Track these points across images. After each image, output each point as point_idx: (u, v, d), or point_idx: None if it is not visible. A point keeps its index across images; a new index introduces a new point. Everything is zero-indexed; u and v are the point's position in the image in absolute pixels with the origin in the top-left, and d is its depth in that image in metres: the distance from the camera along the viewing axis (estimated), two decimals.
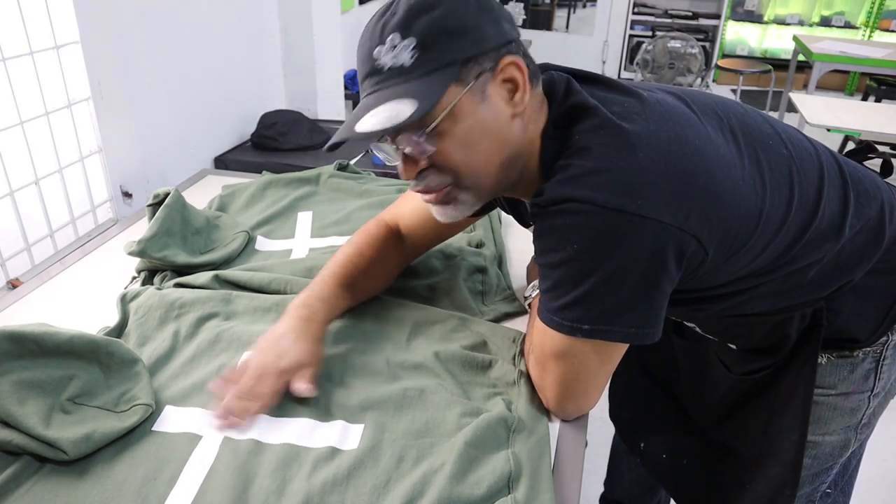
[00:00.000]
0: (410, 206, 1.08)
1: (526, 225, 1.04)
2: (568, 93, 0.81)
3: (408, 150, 0.77)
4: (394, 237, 1.10)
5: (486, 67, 0.75)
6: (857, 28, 5.69)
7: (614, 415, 1.38)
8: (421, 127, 0.74)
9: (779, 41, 5.90)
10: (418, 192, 0.83)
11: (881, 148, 3.81)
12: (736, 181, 0.77)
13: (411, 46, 0.72)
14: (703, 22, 5.60)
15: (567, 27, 5.73)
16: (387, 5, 0.76)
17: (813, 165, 0.87)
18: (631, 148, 0.73)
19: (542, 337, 0.83)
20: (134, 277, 1.22)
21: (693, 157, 0.74)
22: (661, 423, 1.24)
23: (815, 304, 0.90)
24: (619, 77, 0.89)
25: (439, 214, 0.85)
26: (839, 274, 0.89)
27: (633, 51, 5.67)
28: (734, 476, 1.06)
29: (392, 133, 0.76)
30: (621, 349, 0.82)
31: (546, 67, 0.86)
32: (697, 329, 1.04)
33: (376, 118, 0.72)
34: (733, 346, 1.03)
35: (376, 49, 0.74)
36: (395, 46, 0.73)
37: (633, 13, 5.58)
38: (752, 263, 0.84)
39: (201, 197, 1.53)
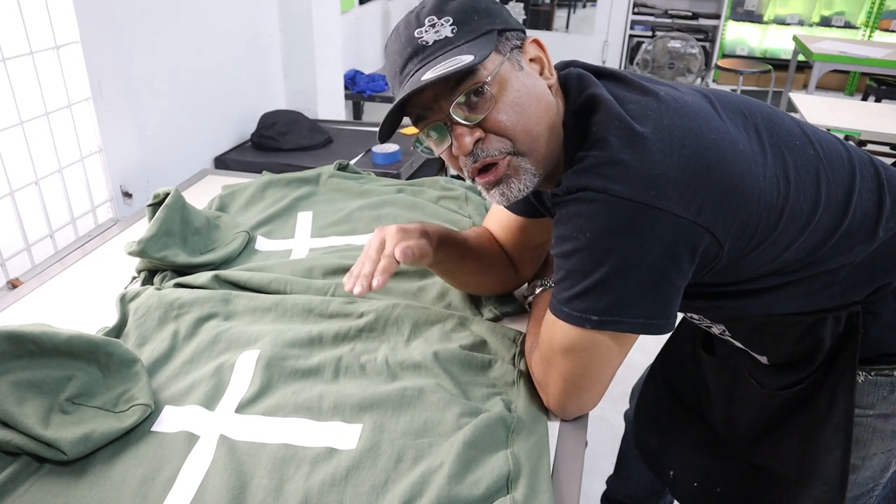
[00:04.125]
0: (492, 219, 1.13)
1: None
2: (582, 84, 0.83)
3: (465, 112, 0.78)
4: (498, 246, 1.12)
5: (515, 44, 0.81)
6: (857, 28, 5.68)
7: (640, 443, 1.34)
8: (478, 81, 0.77)
9: (779, 41, 5.89)
10: (476, 169, 0.81)
11: (881, 148, 3.81)
12: (755, 177, 0.78)
13: (449, 23, 0.78)
14: (703, 22, 5.60)
15: (567, 27, 5.72)
16: (414, 7, 0.82)
17: (843, 167, 0.87)
18: (645, 141, 0.74)
19: (550, 330, 0.84)
20: (134, 277, 1.22)
21: (708, 152, 0.75)
22: (692, 449, 1.20)
23: (850, 308, 0.88)
24: None
25: (501, 194, 0.83)
26: (873, 276, 0.88)
27: (633, 51, 5.66)
28: (774, 500, 1.03)
29: (453, 85, 0.77)
30: (630, 341, 0.82)
31: (569, 64, 0.89)
32: (727, 335, 1.02)
33: (438, 68, 0.75)
34: (764, 360, 1.00)
35: (416, 31, 0.79)
36: (434, 25, 0.78)
37: (633, 13, 5.57)
38: (777, 261, 0.84)
39: (201, 197, 1.53)
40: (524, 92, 0.79)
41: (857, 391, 0.92)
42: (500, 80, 0.78)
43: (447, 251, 1.01)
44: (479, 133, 0.79)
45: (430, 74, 0.75)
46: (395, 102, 0.78)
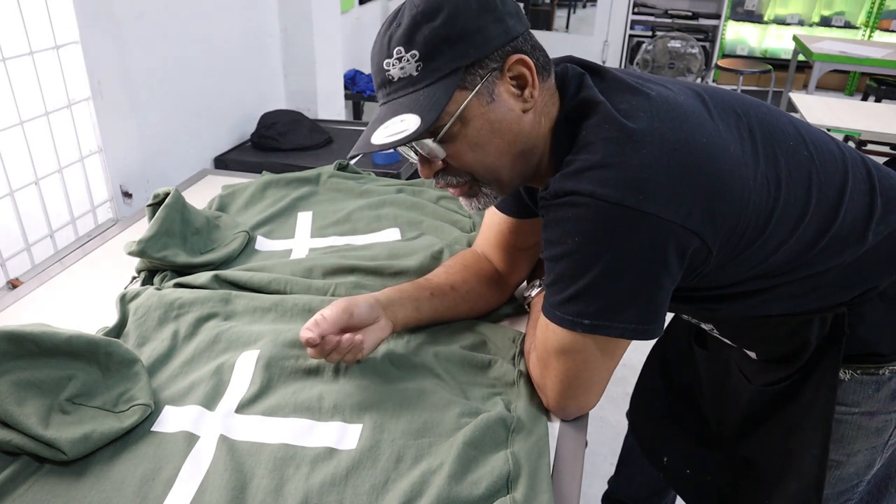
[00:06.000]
0: (484, 229, 1.12)
1: None
2: (580, 87, 0.82)
3: (423, 152, 0.81)
4: (482, 264, 1.10)
5: (492, 68, 0.77)
6: (857, 28, 5.68)
7: (636, 430, 1.36)
8: (432, 134, 0.77)
9: (779, 41, 5.89)
10: (440, 187, 0.86)
11: (881, 148, 3.81)
12: (745, 180, 0.78)
13: (415, 59, 0.75)
14: (703, 22, 5.60)
15: (567, 27, 5.73)
16: (394, 14, 0.78)
17: (836, 169, 0.86)
18: (634, 144, 0.73)
19: (544, 333, 0.84)
20: (134, 277, 1.22)
21: (697, 155, 0.75)
22: (686, 438, 1.22)
23: (836, 310, 0.88)
24: None
25: (468, 206, 0.88)
26: (861, 280, 0.88)
27: (633, 51, 5.66)
28: (754, 492, 1.04)
29: (403, 144, 0.78)
30: (624, 346, 0.82)
31: (565, 60, 0.88)
32: (716, 333, 1.03)
33: (388, 131, 0.76)
34: (753, 355, 1.01)
35: (385, 61, 0.77)
36: (400, 59, 0.76)
37: (633, 13, 5.57)
38: (765, 263, 0.84)
39: (201, 197, 1.53)
40: (487, 129, 0.78)
41: (842, 389, 0.92)
42: (463, 118, 0.77)
43: (405, 314, 0.97)
44: (438, 165, 0.82)
45: (378, 138, 0.76)
46: (360, 150, 0.80)
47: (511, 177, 0.84)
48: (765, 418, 1.01)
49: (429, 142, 0.78)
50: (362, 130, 2.87)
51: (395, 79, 0.77)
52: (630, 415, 1.39)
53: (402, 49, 0.76)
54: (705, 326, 1.04)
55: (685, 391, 1.23)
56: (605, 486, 1.61)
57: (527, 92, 0.79)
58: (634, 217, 0.72)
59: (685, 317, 1.05)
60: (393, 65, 0.77)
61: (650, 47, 5.33)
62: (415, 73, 0.76)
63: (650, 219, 0.72)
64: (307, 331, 0.85)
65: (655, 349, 1.32)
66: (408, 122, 0.74)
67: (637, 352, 1.10)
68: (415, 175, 2.19)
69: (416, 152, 0.82)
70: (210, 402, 0.88)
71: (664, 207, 0.72)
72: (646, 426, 1.34)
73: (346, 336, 0.86)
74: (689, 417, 1.22)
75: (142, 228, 1.25)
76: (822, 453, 0.92)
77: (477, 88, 0.76)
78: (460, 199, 0.88)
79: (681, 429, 1.23)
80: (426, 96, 0.75)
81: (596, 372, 0.84)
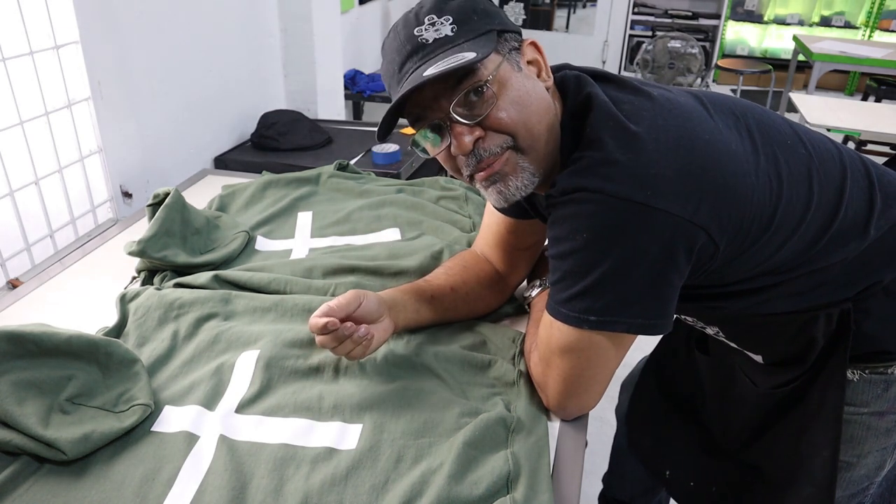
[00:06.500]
0: (483, 230, 1.12)
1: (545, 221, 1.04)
2: (580, 85, 0.83)
3: (466, 110, 0.77)
4: (482, 265, 1.10)
5: (514, 45, 0.81)
6: (857, 28, 5.68)
7: (635, 443, 1.34)
8: (479, 80, 0.76)
9: (779, 41, 5.89)
10: (477, 169, 0.81)
11: (881, 148, 3.81)
12: (748, 177, 0.78)
13: (449, 22, 0.77)
14: (703, 22, 5.59)
15: (567, 27, 5.72)
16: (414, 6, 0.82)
17: (835, 166, 0.87)
18: (640, 141, 0.74)
19: (548, 331, 0.84)
20: (134, 277, 1.22)
21: (702, 151, 0.75)
22: (688, 448, 1.20)
23: (841, 305, 0.88)
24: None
25: (499, 192, 0.82)
26: (864, 274, 0.88)
27: (633, 51, 5.66)
28: (766, 500, 1.03)
29: (454, 84, 0.76)
30: (629, 341, 0.82)
31: (563, 67, 0.89)
32: (721, 335, 1.02)
33: (440, 65, 0.74)
34: (758, 359, 1.00)
35: (416, 29, 0.78)
36: (434, 24, 0.77)
37: (633, 13, 5.57)
38: (770, 261, 0.84)
39: (201, 197, 1.53)
40: (524, 91, 0.79)
41: (851, 389, 0.92)
42: (500, 79, 0.78)
43: (405, 316, 0.98)
44: (479, 132, 0.78)
45: (432, 70, 0.74)
46: (394, 100, 0.78)
47: (545, 153, 0.81)
48: (772, 423, 1.01)
49: (480, 85, 0.76)
50: (362, 130, 2.84)
51: (431, 40, 0.77)
52: (627, 431, 1.37)
53: (434, 16, 0.78)
54: (710, 330, 1.04)
55: (685, 400, 1.22)
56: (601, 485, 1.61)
57: (543, 74, 0.83)
58: (643, 212, 0.72)
59: (690, 320, 1.05)
60: (426, 29, 0.77)
61: (650, 47, 5.33)
62: (451, 34, 0.77)
63: (659, 214, 0.72)
64: (319, 318, 0.84)
65: (651, 360, 1.31)
66: (463, 55, 0.74)
67: (637, 351, 1.10)
68: (415, 175, 2.19)
69: (451, 124, 0.78)
70: (210, 402, 0.88)
71: (672, 203, 0.72)
72: (644, 441, 1.32)
73: (365, 326, 0.87)
74: (689, 428, 1.21)
75: (142, 228, 1.25)
76: (832, 455, 0.92)
77: (506, 56, 0.79)
78: (487, 191, 0.83)
79: (681, 440, 1.22)
80: (471, 45, 0.76)
81: (599, 370, 0.84)
